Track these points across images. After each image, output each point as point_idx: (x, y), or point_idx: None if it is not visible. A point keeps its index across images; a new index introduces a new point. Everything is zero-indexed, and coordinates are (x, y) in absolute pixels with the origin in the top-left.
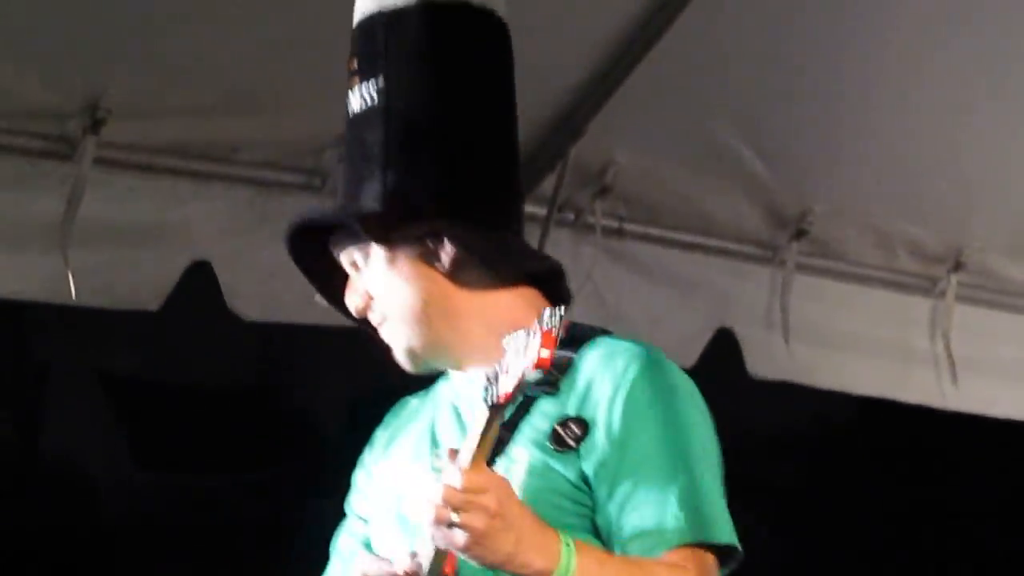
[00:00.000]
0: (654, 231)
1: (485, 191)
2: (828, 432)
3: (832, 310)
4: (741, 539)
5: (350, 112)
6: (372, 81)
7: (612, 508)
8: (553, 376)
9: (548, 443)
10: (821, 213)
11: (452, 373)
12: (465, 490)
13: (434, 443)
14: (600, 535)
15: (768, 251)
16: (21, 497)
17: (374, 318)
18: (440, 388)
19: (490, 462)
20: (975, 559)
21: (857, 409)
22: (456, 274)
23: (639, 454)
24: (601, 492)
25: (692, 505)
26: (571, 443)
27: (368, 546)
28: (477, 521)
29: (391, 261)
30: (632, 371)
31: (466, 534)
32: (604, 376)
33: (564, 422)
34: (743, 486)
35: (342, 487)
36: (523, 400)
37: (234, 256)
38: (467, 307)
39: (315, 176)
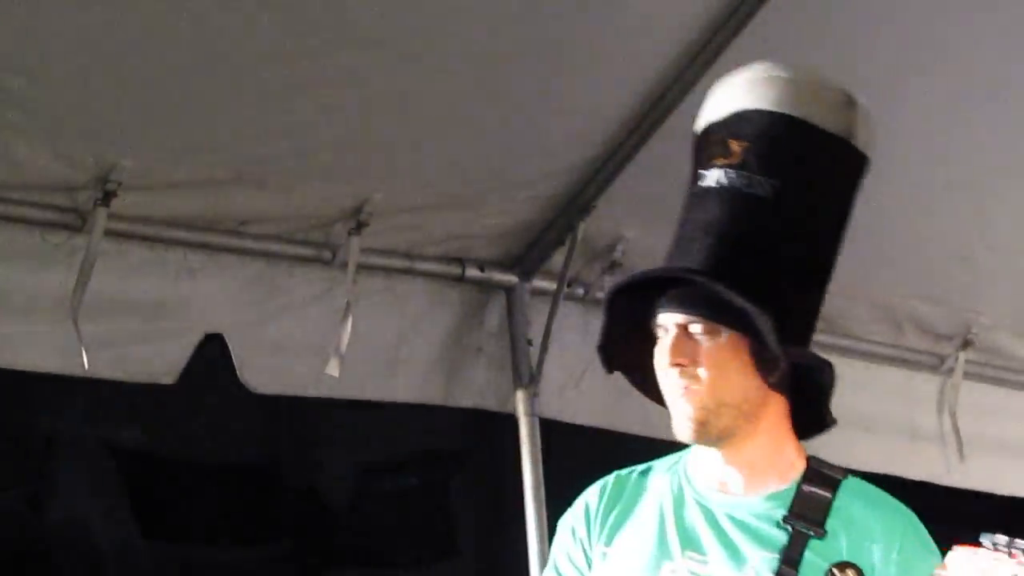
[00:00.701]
0: None
1: (813, 316)
2: None
3: (840, 387)
4: None
5: (719, 184)
6: (767, 177)
7: None
8: (819, 516)
9: None
10: (829, 291)
11: (699, 468)
12: None
13: (686, 540)
14: None
15: None
16: (29, 568)
17: (684, 377)
18: (667, 475)
19: None
20: None
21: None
22: (775, 382)
23: None
24: None
25: None
26: None
27: None
28: None
29: (734, 350)
30: (905, 528)
31: None
32: (875, 526)
33: (840, 566)
34: None
35: (347, 560)
36: (795, 536)
37: (246, 329)
38: (769, 414)
39: (325, 249)
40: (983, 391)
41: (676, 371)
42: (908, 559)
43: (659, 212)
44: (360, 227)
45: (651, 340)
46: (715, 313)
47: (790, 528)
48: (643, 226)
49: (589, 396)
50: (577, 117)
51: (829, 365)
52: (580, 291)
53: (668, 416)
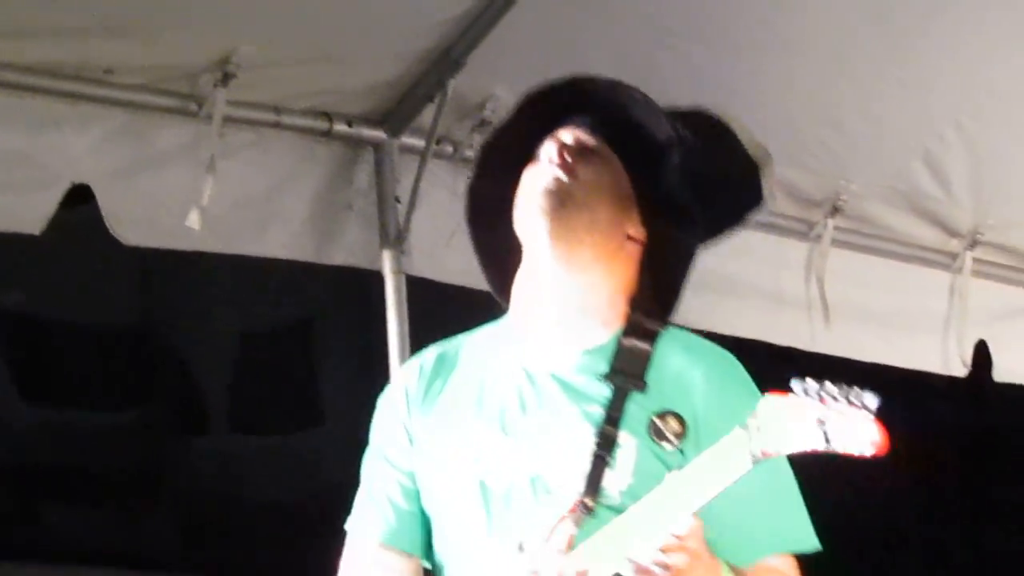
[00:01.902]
0: None
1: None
2: None
3: (708, 252)
4: None
5: None
6: None
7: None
8: (639, 369)
9: (649, 434)
10: None
11: (522, 333)
12: (679, 537)
13: (522, 405)
14: None
15: None
16: None
17: (563, 174)
18: (491, 344)
19: (601, 452)
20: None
21: (729, 349)
22: (636, 241)
23: None
24: None
25: (800, 515)
26: (671, 438)
27: (416, 498)
28: (680, 561)
29: (617, 178)
30: (724, 371)
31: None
32: (695, 372)
33: (662, 415)
34: None
35: (218, 427)
36: (617, 391)
37: (113, 180)
38: (622, 252)
39: (191, 101)
40: (851, 259)
41: (556, 166)
42: (729, 401)
43: (530, 69)
44: (227, 79)
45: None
46: (613, 139)
47: (611, 384)
48: (514, 84)
49: (459, 255)
50: None
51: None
52: (449, 149)
53: None
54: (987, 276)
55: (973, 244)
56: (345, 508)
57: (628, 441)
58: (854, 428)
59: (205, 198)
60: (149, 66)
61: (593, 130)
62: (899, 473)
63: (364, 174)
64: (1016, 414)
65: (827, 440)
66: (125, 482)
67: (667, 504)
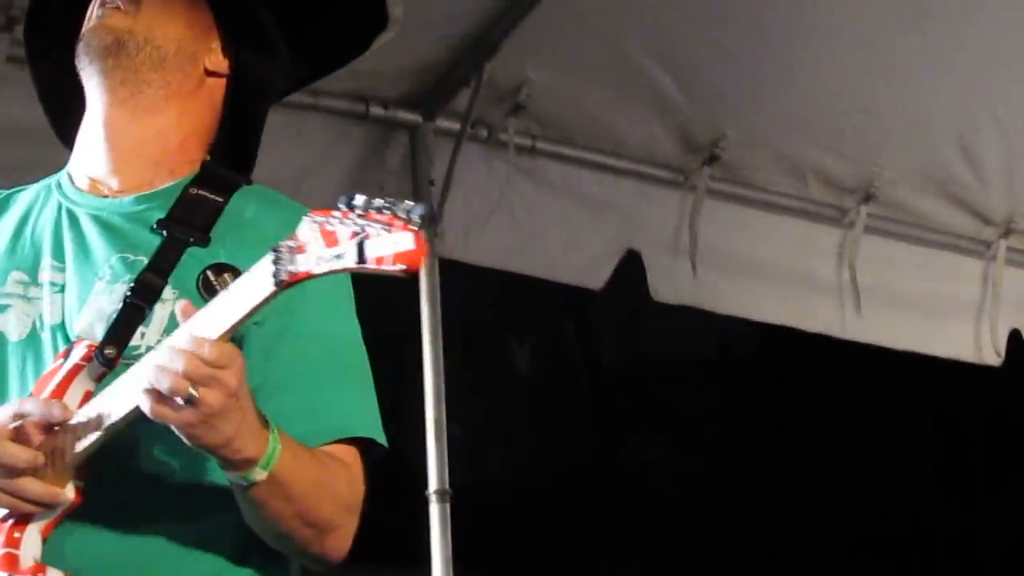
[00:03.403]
0: (567, 151)
1: None
2: (730, 357)
3: (740, 236)
4: (644, 462)
5: None
6: None
7: (269, 377)
8: (205, 221)
9: (198, 289)
10: (734, 139)
11: (75, 168)
12: (211, 363)
13: (57, 252)
14: None
15: (679, 175)
16: None
17: (122, 28)
18: (44, 191)
19: (136, 301)
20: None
21: (759, 335)
22: (215, 76)
23: (308, 331)
24: (255, 355)
25: (360, 395)
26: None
27: None
28: (214, 399)
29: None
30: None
31: (196, 411)
32: (268, 225)
33: (217, 269)
34: (647, 409)
35: None
36: (170, 241)
37: None
38: (193, 95)
39: None
40: (884, 245)
41: None
42: None
43: (565, 55)
44: None
45: None
46: None
47: (164, 232)
48: (548, 68)
49: (493, 238)
50: None
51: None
52: (484, 132)
53: (575, 259)
54: (1020, 264)
55: (1007, 232)
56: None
57: (169, 294)
58: (391, 242)
59: None
60: None
61: None
62: (928, 459)
63: (398, 156)
64: None
65: (360, 257)
66: None
67: (190, 336)
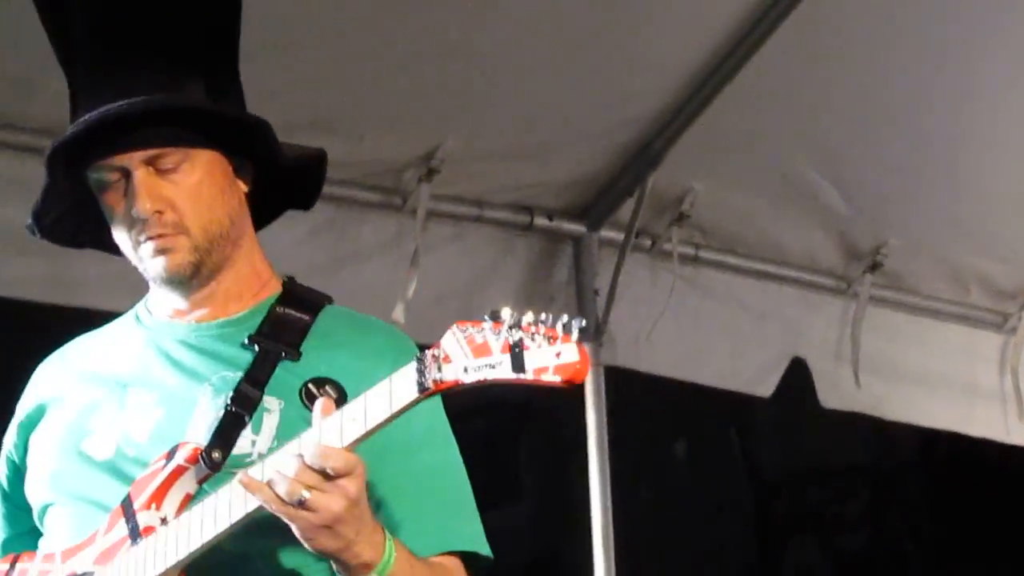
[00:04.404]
0: (730, 260)
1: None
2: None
3: (903, 343)
4: (804, 566)
5: None
6: None
7: (385, 491)
8: (294, 337)
9: (300, 399)
10: (896, 247)
11: (155, 307)
12: (335, 470)
13: (131, 379)
14: None
15: (842, 283)
16: None
17: (163, 228)
18: (125, 329)
19: (247, 416)
20: None
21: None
22: (245, 194)
23: (413, 444)
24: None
25: (467, 510)
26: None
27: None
28: (336, 505)
29: (209, 169)
30: (396, 345)
31: (317, 515)
32: (360, 345)
33: (317, 381)
34: (807, 514)
35: None
36: (263, 355)
37: (317, 273)
38: (247, 232)
39: (395, 195)
40: None
41: (154, 219)
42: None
43: (727, 164)
44: (431, 174)
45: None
46: (187, 136)
47: (256, 347)
48: (711, 178)
49: (660, 347)
50: (649, 69)
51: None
52: (648, 243)
53: (740, 367)
54: None
55: None
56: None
57: (274, 404)
58: (552, 353)
59: (410, 291)
60: (356, 161)
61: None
62: None
63: (564, 267)
64: None
65: (518, 367)
66: None
67: (316, 440)
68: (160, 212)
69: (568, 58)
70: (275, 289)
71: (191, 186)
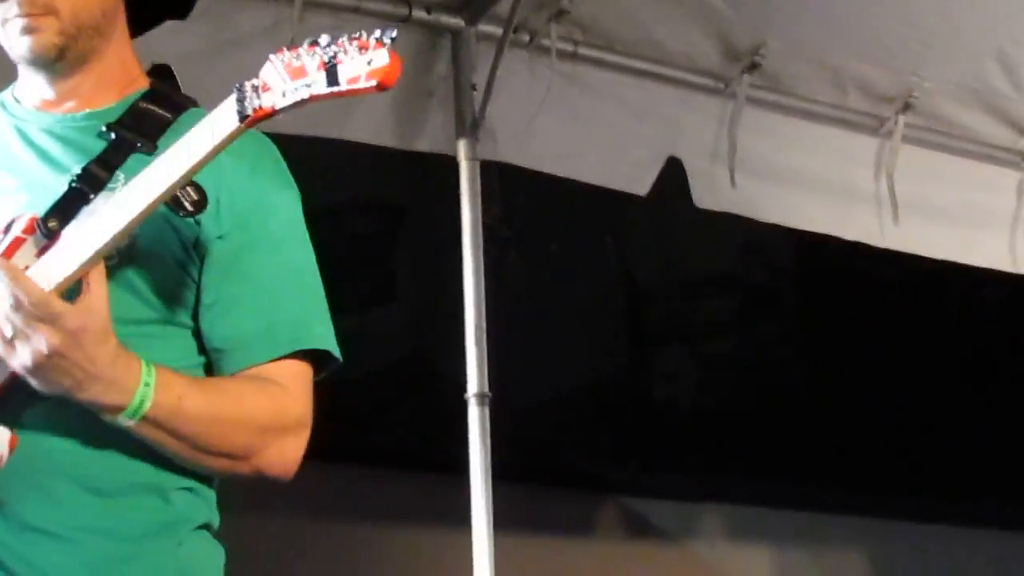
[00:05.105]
0: (609, 57)
1: None
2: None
3: (779, 144)
4: (674, 373)
5: None
6: None
7: (225, 292)
8: (152, 132)
9: None
10: (774, 47)
11: (23, 95)
12: (32, 309)
13: (10, 164)
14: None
15: (720, 83)
16: None
17: (31, 7)
18: None
19: (91, 194)
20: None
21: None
22: None
23: (265, 249)
24: (214, 270)
25: (320, 311)
26: (188, 207)
27: None
28: (25, 356)
29: None
30: (257, 150)
31: (24, 357)
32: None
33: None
34: (680, 320)
35: None
36: (117, 144)
37: (195, 61)
38: (118, 27)
39: None
40: (921, 155)
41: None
42: (259, 178)
43: None
44: None
45: None
46: None
47: (112, 135)
48: None
49: (538, 143)
50: None
51: None
52: (526, 38)
53: (619, 164)
54: None
55: None
56: (412, 379)
57: (121, 181)
58: (364, 61)
59: None
60: None
61: None
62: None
63: (442, 61)
64: None
65: (332, 80)
66: None
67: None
68: None
69: None
70: (142, 86)
71: None
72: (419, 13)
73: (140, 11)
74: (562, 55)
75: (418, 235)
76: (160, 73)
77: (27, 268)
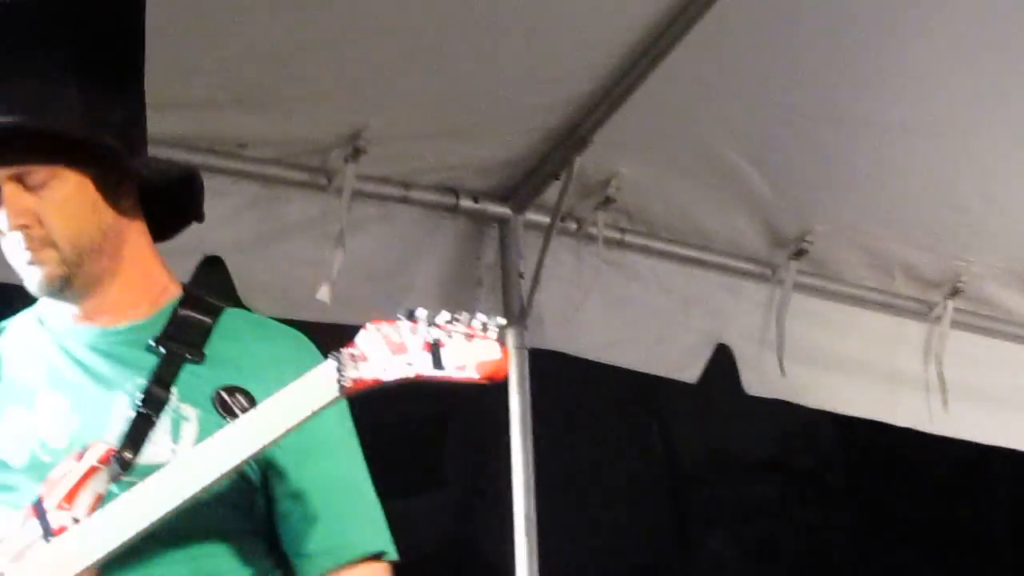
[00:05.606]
0: (655, 244)
1: (141, 117)
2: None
3: (827, 330)
4: (719, 554)
5: None
6: None
7: (293, 499)
8: (196, 340)
9: (214, 407)
10: (821, 233)
11: (56, 312)
12: None
13: (45, 382)
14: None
15: (767, 269)
16: None
17: (30, 241)
18: (27, 332)
19: (154, 416)
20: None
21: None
22: (128, 206)
23: (321, 455)
24: (277, 480)
25: (373, 515)
26: (239, 414)
27: None
28: None
29: (80, 183)
30: (297, 348)
31: None
32: (264, 351)
33: (228, 390)
34: (726, 503)
35: None
36: (169, 357)
37: (243, 252)
38: (130, 242)
39: (321, 175)
40: (970, 340)
41: (20, 235)
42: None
43: (654, 149)
44: (357, 153)
45: None
46: (48, 154)
47: (162, 350)
48: (638, 162)
49: (585, 331)
50: (577, 51)
51: (187, 167)
52: (573, 226)
53: (666, 351)
54: None
55: None
56: (460, 562)
57: (191, 413)
58: (471, 350)
59: (335, 272)
60: (281, 140)
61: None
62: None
63: (490, 250)
64: None
65: (437, 364)
66: None
67: (224, 450)
68: (27, 226)
69: (496, 38)
70: (175, 294)
71: (58, 200)
72: (466, 202)
73: (161, 218)
74: (609, 242)
75: (467, 424)
76: (211, 264)
77: (99, 498)
